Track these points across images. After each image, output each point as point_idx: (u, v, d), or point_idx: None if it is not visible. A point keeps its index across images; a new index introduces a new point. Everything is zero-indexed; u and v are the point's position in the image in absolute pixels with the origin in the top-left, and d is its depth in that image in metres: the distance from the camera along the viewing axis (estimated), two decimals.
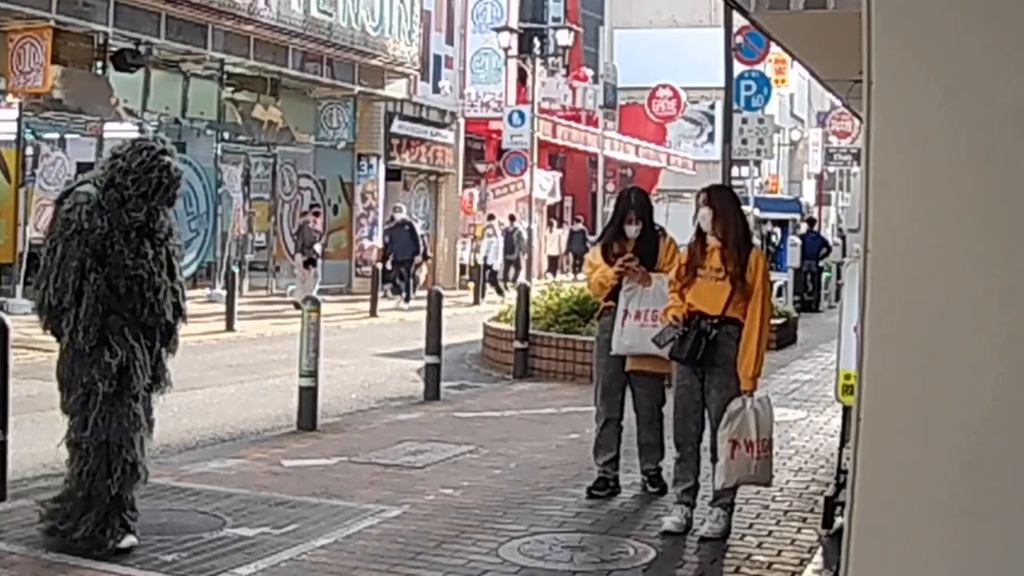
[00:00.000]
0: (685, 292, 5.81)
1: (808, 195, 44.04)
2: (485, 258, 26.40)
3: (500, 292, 25.33)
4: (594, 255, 6.77)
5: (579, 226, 35.22)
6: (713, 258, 5.73)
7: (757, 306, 5.64)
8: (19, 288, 17.28)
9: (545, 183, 33.21)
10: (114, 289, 5.16)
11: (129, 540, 5.18)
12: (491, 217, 30.23)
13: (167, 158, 5.26)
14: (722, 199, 5.85)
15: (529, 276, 26.59)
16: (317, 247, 20.84)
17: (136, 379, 5.20)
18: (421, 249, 23.21)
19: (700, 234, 5.82)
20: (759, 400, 5.63)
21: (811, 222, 25.15)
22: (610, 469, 6.65)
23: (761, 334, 5.64)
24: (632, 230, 6.51)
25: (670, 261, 6.43)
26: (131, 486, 5.23)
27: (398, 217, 23.54)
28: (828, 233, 39.01)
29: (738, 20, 14.10)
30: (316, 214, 22.22)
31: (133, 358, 5.19)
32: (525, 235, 29.37)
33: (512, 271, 28.59)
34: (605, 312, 6.72)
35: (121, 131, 19.82)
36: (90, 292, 5.09)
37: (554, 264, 34.81)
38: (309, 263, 20.65)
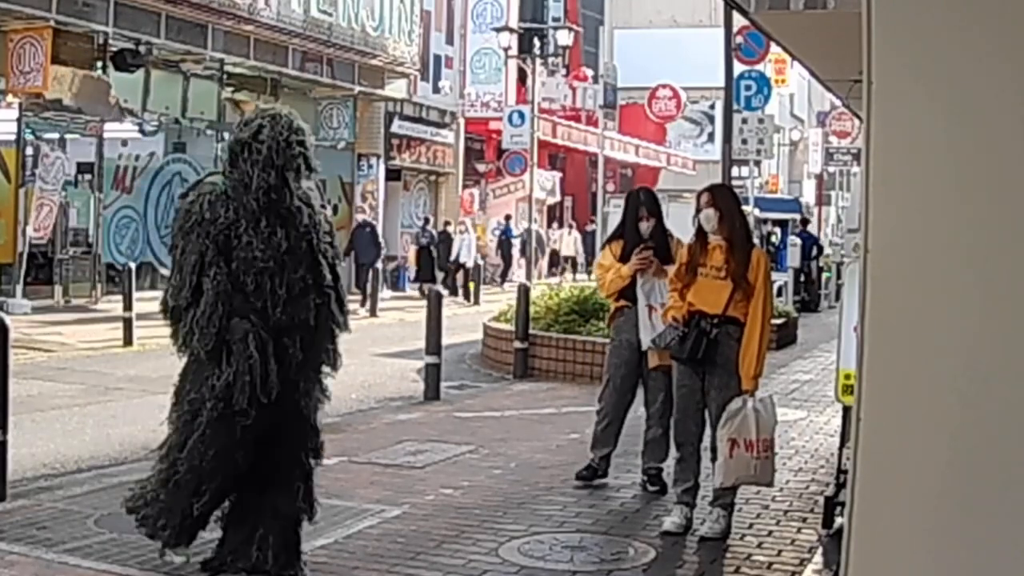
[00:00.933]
0: (686, 292, 5.81)
1: (808, 195, 44.05)
2: (457, 256, 25.95)
3: (467, 295, 24.65)
4: (604, 256, 6.84)
5: (593, 227, 35.27)
6: (714, 257, 5.73)
7: (759, 306, 5.64)
8: (19, 288, 17.28)
9: (545, 183, 33.24)
10: (240, 286, 4.58)
11: (180, 558, 4.86)
12: (508, 218, 30.35)
13: (292, 120, 4.72)
14: (726, 199, 5.84)
15: (529, 276, 26.61)
16: None
17: (241, 396, 4.57)
18: (384, 252, 22.78)
19: (700, 233, 5.81)
20: (761, 400, 5.62)
21: (804, 222, 25.17)
22: (603, 462, 6.80)
23: (763, 334, 5.64)
24: (645, 227, 6.59)
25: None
26: (212, 508, 4.83)
27: (359, 218, 22.96)
28: (828, 233, 39.05)
29: (738, 20, 14.11)
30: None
31: (246, 371, 4.56)
32: (544, 236, 29.56)
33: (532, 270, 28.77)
34: (618, 313, 6.75)
35: (121, 131, 19.86)
36: (210, 288, 4.54)
37: (568, 263, 34.79)
38: None
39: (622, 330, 6.70)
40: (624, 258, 6.56)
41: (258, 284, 4.59)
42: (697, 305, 5.73)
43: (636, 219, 6.63)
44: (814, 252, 23.05)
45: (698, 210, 5.81)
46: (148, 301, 18.07)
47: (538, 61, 30.44)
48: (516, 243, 30.15)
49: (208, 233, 4.57)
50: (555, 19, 36.13)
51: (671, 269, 6.37)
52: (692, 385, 5.82)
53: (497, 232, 31.00)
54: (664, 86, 34.83)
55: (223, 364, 4.56)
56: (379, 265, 22.20)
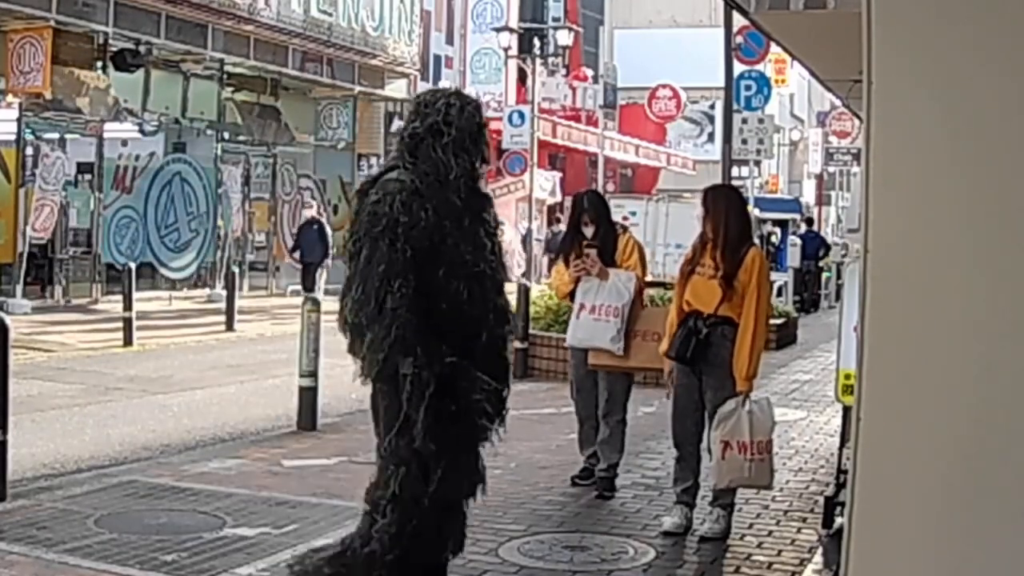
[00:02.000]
0: (685, 289, 5.80)
1: (808, 195, 44.06)
2: None
3: None
4: (559, 261, 6.95)
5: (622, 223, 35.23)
6: (707, 255, 5.72)
7: (752, 305, 5.61)
8: (19, 288, 17.28)
9: (545, 183, 33.25)
10: (452, 296, 3.96)
11: None
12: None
13: (477, 100, 4.31)
14: (716, 199, 5.83)
15: (530, 276, 26.59)
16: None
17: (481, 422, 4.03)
18: (332, 252, 19.67)
19: (703, 232, 5.82)
20: (757, 402, 5.60)
21: (809, 221, 25.16)
22: (595, 461, 6.78)
23: (755, 334, 5.60)
24: (588, 231, 6.63)
25: (628, 257, 6.62)
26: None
27: (307, 214, 20.43)
28: (829, 233, 39.08)
29: (738, 20, 14.10)
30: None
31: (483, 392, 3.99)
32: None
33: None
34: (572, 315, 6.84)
35: (121, 131, 19.87)
36: (397, 303, 3.85)
37: None
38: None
39: None
40: (568, 262, 6.66)
41: (471, 292, 4.00)
42: (693, 304, 5.72)
43: (579, 224, 6.69)
44: (821, 252, 23.04)
45: None
46: (148, 301, 18.13)
47: (538, 61, 30.42)
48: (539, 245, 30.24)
49: (408, 238, 3.89)
50: (555, 19, 36.12)
51: (614, 273, 6.50)
52: (689, 384, 5.80)
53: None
54: (664, 86, 34.82)
55: (452, 394, 3.93)
56: (328, 264, 19.71)
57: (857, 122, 26.44)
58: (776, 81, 32.72)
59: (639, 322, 6.49)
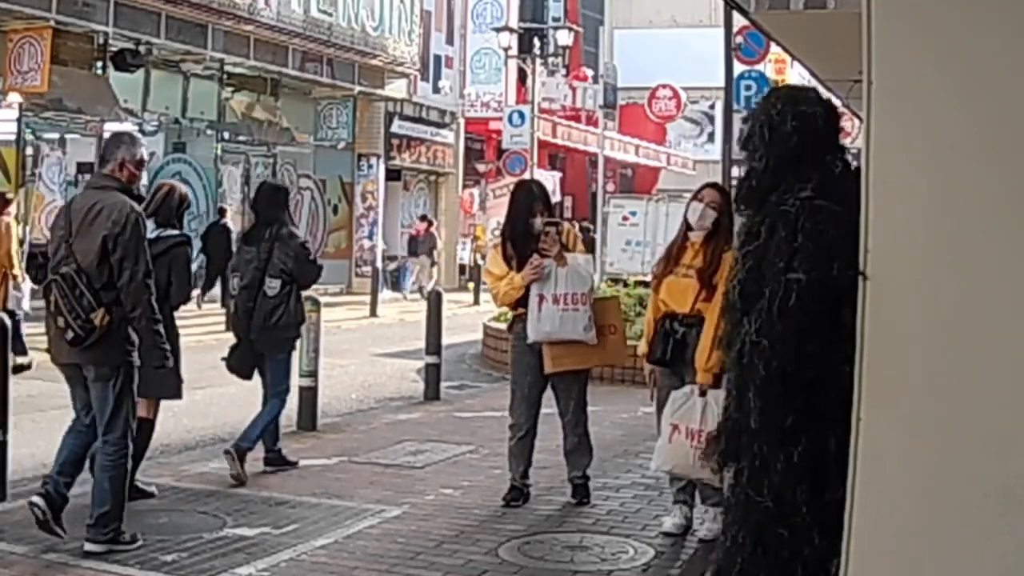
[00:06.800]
0: (659, 291, 5.76)
1: None
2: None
3: None
4: (494, 263, 6.39)
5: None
6: (686, 255, 5.68)
7: (717, 299, 5.49)
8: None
9: (545, 183, 33.24)
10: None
11: None
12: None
13: None
14: (724, 196, 5.82)
15: None
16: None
17: None
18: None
19: (684, 231, 5.77)
20: (715, 396, 5.26)
21: None
22: (527, 478, 6.48)
23: (718, 327, 5.52)
24: (538, 222, 6.20)
25: (572, 247, 6.26)
26: None
27: None
28: None
29: (738, 20, 14.10)
30: (429, 223, 25.24)
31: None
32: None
33: None
34: (517, 321, 6.35)
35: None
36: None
37: None
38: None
39: (522, 338, 6.27)
40: (515, 257, 6.19)
41: None
42: (669, 304, 5.68)
43: (529, 214, 6.22)
44: None
45: (706, 207, 5.71)
46: None
47: (538, 61, 30.40)
48: None
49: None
50: (555, 19, 36.06)
51: (571, 256, 6.15)
52: (672, 385, 5.71)
53: (497, 233, 31.02)
54: (664, 86, 34.79)
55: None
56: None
57: (857, 122, 26.40)
58: (776, 81, 32.70)
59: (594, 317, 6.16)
